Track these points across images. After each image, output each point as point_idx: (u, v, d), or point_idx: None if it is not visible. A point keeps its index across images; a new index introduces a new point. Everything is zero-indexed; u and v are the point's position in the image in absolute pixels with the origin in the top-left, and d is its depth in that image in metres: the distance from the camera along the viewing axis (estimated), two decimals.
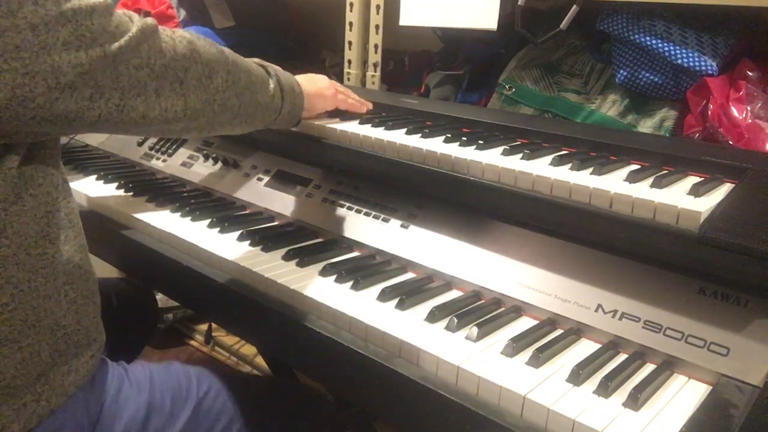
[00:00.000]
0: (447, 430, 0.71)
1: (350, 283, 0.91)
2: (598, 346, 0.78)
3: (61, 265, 0.75)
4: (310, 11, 2.06)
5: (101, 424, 0.82)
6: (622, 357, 0.76)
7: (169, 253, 1.07)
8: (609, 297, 0.80)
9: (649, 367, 0.74)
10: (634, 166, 0.93)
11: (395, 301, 0.86)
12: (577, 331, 0.81)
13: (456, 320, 0.80)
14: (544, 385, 0.69)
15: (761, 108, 1.03)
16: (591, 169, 0.87)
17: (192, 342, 2.35)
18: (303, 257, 0.98)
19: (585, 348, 0.78)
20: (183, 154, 1.45)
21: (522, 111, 1.33)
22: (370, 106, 1.21)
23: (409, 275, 0.97)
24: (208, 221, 1.13)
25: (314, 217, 1.13)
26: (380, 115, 1.20)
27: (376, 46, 1.50)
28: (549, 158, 0.92)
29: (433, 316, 0.82)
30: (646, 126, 1.18)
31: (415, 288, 0.90)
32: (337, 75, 1.69)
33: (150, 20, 0.74)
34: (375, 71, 1.52)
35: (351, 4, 1.49)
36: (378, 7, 1.46)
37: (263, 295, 0.93)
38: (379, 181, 1.10)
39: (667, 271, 0.78)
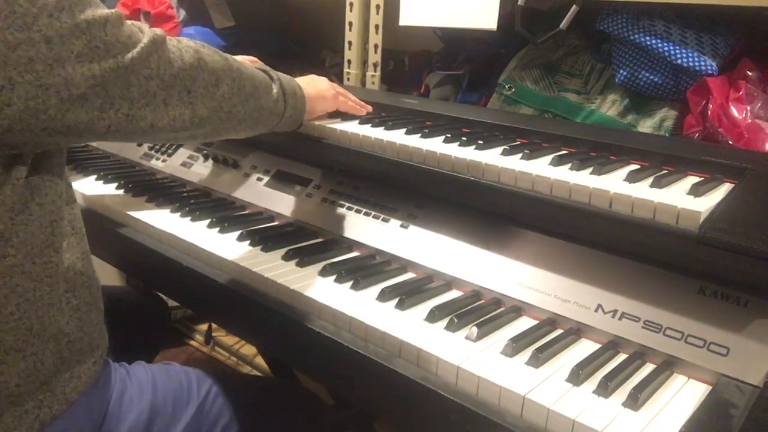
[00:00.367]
0: (447, 430, 0.71)
1: (350, 283, 0.91)
2: (598, 346, 0.78)
3: (62, 273, 0.75)
4: (310, 11, 2.06)
5: (105, 428, 0.82)
6: (622, 357, 0.76)
7: (169, 253, 1.07)
8: (609, 297, 0.80)
9: (649, 367, 0.74)
10: (634, 166, 0.93)
11: (395, 301, 0.86)
12: (577, 331, 0.81)
13: (456, 320, 0.80)
14: (544, 385, 0.69)
15: (761, 108, 1.03)
16: (591, 169, 0.87)
17: (192, 342, 2.35)
18: (303, 257, 0.98)
19: (585, 348, 0.78)
20: (183, 154, 1.45)
21: (522, 111, 1.33)
22: (370, 108, 1.21)
23: (409, 275, 0.97)
24: (208, 221, 1.13)
25: (314, 217, 1.13)
26: (380, 115, 1.20)
27: (376, 46, 1.50)
28: (549, 158, 0.92)
29: (433, 316, 0.82)
30: (646, 126, 1.18)
31: (415, 288, 0.90)
32: (337, 75, 1.69)
33: (159, 31, 0.74)
34: (375, 71, 1.52)
35: (351, 4, 1.49)
36: (378, 7, 1.46)
37: (263, 295, 0.93)
38: (379, 181, 1.10)
39: (667, 271, 0.78)
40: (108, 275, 0.95)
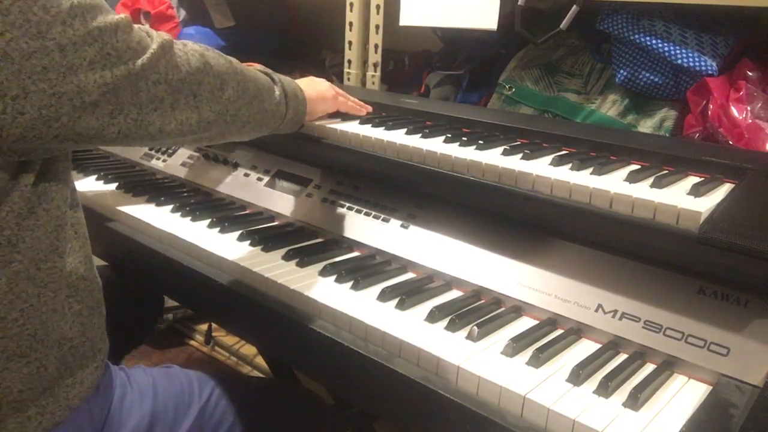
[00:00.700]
0: (447, 430, 0.71)
1: (350, 283, 0.91)
2: (598, 346, 0.78)
3: (65, 278, 0.75)
4: (310, 11, 2.06)
5: None
6: (622, 357, 0.76)
7: (169, 253, 1.07)
8: (609, 297, 0.80)
9: (649, 367, 0.74)
10: (634, 166, 0.93)
11: (395, 301, 0.86)
12: (577, 331, 0.81)
13: (456, 320, 0.80)
14: (544, 385, 0.69)
15: (761, 108, 1.03)
16: (591, 169, 0.87)
17: (192, 342, 2.35)
18: (303, 257, 0.98)
19: (585, 348, 0.78)
20: (183, 154, 1.45)
21: (522, 111, 1.33)
22: (370, 109, 1.21)
23: (409, 275, 0.97)
24: (208, 221, 1.13)
25: (314, 217, 1.13)
26: (380, 116, 1.20)
27: (376, 46, 1.50)
28: (549, 158, 0.92)
29: (433, 316, 0.82)
30: (646, 126, 1.18)
31: (415, 288, 0.90)
32: (337, 75, 1.69)
33: (166, 36, 0.75)
34: (375, 71, 1.52)
35: (351, 4, 1.49)
36: (378, 7, 1.46)
37: (263, 295, 0.93)
38: (379, 181, 1.10)
39: (667, 271, 0.78)
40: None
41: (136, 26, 0.71)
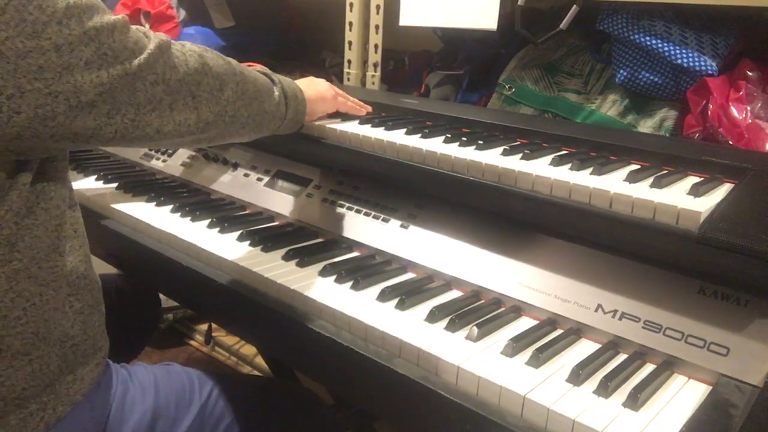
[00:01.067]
0: (447, 430, 0.71)
1: (350, 283, 0.91)
2: (598, 346, 0.78)
3: (66, 277, 0.76)
4: (310, 11, 2.06)
5: (108, 430, 0.82)
6: (622, 357, 0.76)
7: (169, 254, 1.07)
8: (609, 297, 0.80)
9: (649, 367, 0.74)
10: (634, 166, 0.93)
11: (395, 301, 0.86)
12: (577, 331, 0.81)
13: (456, 320, 0.80)
14: (544, 385, 0.69)
15: (761, 108, 1.03)
16: (591, 169, 0.87)
17: (192, 342, 2.35)
18: (303, 257, 0.98)
19: (585, 348, 0.78)
20: (183, 154, 1.45)
21: (522, 111, 1.33)
22: (369, 109, 1.21)
23: (409, 275, 0.97)
24: (208, 221, 1.13)
25: (314, 217, 1.13)
26: (380, 116, 1.20)
27: (376, 46, 1.50)
28: (549, 158, 0.92)
29: (433, 316, 0.82)
30: (646, 126, 1.18)
31: (415, 288, 0.90)
32: (337, 75, 1.69)
33: (164, 36, 0.75)
34: (375, 71, 1.52)
35: (351, 4, 1.49)
36: (378, 7, 1.46)
37: (263, 295, 0.93)
38: (379, 181, 1.10)
39: (667, 271, 0.78)
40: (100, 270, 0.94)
41: (133, 27, 0.71)
